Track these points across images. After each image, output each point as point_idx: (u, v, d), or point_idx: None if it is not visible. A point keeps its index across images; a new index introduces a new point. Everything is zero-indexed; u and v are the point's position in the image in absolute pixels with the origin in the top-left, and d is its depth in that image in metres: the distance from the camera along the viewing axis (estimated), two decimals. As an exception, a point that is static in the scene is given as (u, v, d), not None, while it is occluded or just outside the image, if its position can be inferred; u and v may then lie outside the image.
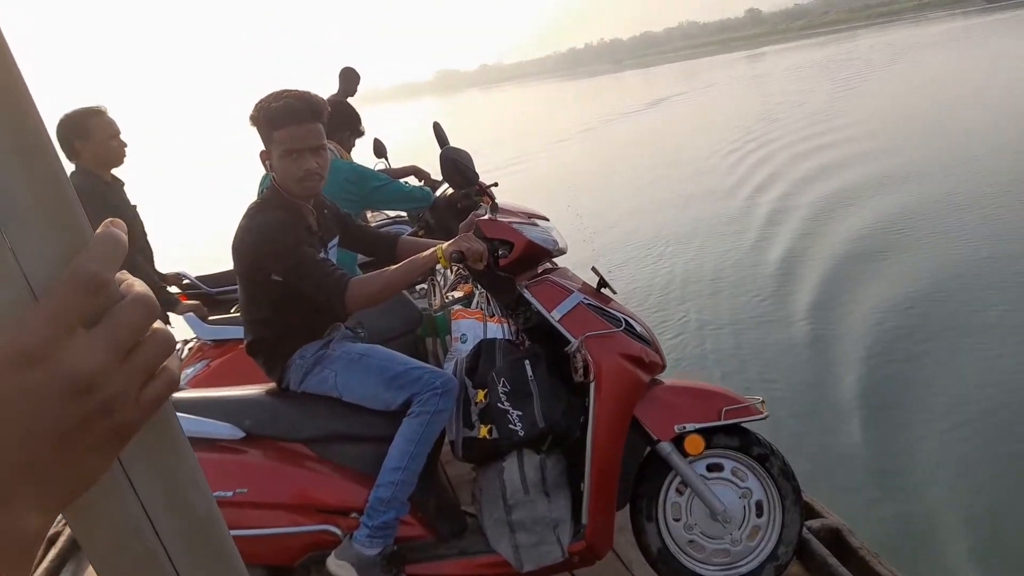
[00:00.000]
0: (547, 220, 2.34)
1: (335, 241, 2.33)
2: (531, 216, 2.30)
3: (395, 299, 3.24)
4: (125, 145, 3.25)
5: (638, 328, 2.23)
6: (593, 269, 2.29)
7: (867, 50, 34.69)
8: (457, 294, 3.57)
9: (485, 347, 2.29)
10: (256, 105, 2.07)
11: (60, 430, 0.34)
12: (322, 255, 2.11)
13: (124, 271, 0.38)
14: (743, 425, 2.26)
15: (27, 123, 0.35)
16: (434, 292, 3.70)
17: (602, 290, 2.29)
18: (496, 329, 3.03)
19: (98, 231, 0.37)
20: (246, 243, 2.07)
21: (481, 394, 2.16)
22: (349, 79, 5.34)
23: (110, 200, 3.16)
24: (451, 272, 3.43)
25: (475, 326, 3.19)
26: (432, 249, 2.02)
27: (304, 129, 2.02)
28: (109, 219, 0.38)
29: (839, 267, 6.12)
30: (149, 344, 0.37)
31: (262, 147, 2.11)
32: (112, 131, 3.17)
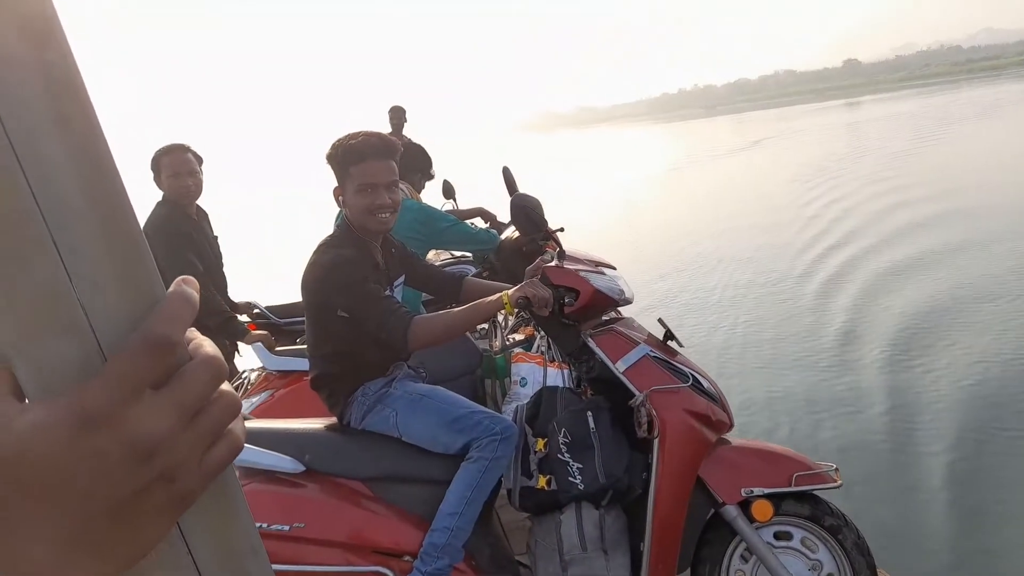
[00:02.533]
0: (614, 268, 2.32)
1: (401, 280, 2.35)
2: (598, 264, 2.28)
3: (456, 339, 3.25)
4: (193, 183, 3.35)
5: (705, 384, 2.16)
6: (660, 321, 2.24)
7: (963, 105, 33.54)
8: (518, 337, 3.56)
9: (546, 395, 2.25)
10: (333, 144, 2.14)
11: (119, 497, 0.32)
12: (387, 293, 2.13)
13: (193, 329, 0.37)
14: (815, 493, 2.15)
15: (104, 179, 0.34)
16: (495, 334, 3.70)
17: (668, 343, 2.24)
18: (556, 375, 2.99)
19: (170, 290, 0.36)
20: (314, 278, 2.12)
21: (541, 443, 2.12)
22: (398, 115, 5.80)
23: (184, 230, 3.28)
24: (513, 316, 3.44)
25: (535, 370, 3.16)
26: (498, 294, 2.02)
27: (379, 165, 2.08)
28: (181, 277, 0.37)
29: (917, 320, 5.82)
30: (215, 407, 0.36)
31: (336, 184, 2.18)
32: (176, 169, 3.29)
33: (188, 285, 0.36)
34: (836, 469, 2.16)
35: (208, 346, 0.37)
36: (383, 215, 2.11)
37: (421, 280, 2.46)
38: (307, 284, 2.14)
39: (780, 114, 53.55)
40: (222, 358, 0.37)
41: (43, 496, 0.31)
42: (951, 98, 41.78)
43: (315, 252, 2.18)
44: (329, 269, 2.08)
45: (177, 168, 3.30)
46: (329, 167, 2.16)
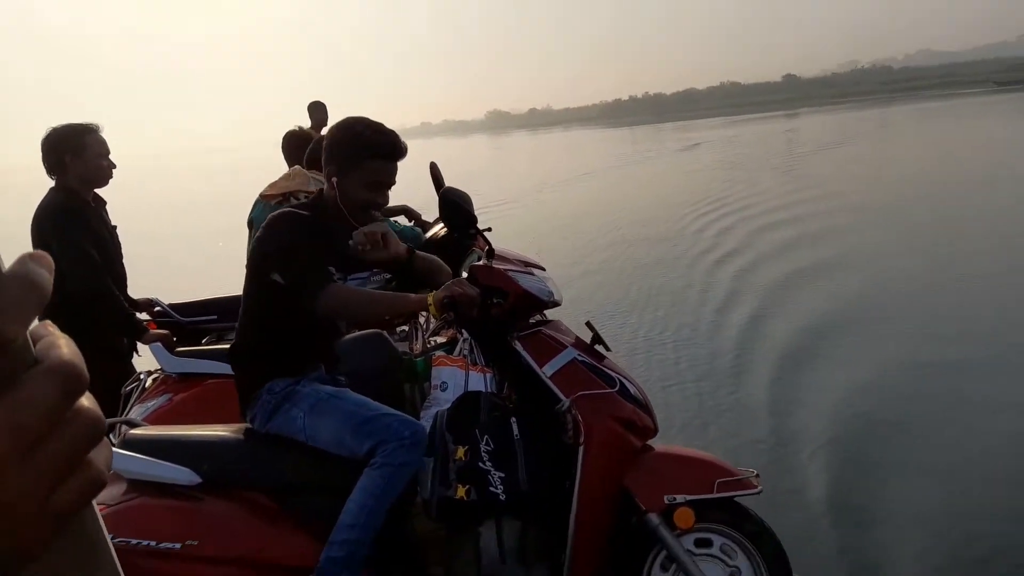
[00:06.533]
0: (543, 269, 2.25)
1: (364, 275, 2.28)
2: (527, 264, 2.21)
3: (373, 339, 3.10)
4: (113, 166, 3.17)
5: (632, 389, 2.11)
6: (588, 324, 2.19)
7: (884, 118, 38.01)
8: (440, 339, 3.44)
9: (468, 400, 2.15)
10: (349, 127, 2.05)
11: None
12: (331, 270, 2.03)
13: (47, 323, 0.28)
14: (736, 499, 2.14)
15: None
16: (415, 335, 3.57)
17: (596, 346, 2.18)
18: (479, 379, 2.89)
19: (10, 267, 0.26)
20: (262, 229, 2.05)
21: (461, 451, 2.02)
22: (319, 111, 5.55)
23: (86, 219, 3.03)
24: (437, 318, 3.32)
25: (457, 374, 3.04)
26: (423, 294, 1.91)
27: (393, 167, 2.08)
28: (28, 252, 0.28)
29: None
30: (66, 430, 0.27)
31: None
32: (103, 150, 3.09)
33: (38, 262, 0.27)
34: (757, 475, 2.15)
35: (64, 347, 0.28)
36: (376, 211, 2.12)
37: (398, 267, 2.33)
38: (253, 243, 2.08)
39: (725, 122, 57.26)
40: (80, 364, 0.28)
41: None
42: (861, 114, 45.81)
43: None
44: (274, 224, 2.03)
45: (102, 149, 3.08)
46: (330, 145, 2.06)
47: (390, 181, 2.08)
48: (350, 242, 1.97)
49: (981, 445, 3.62)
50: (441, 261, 2.30)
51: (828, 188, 12.73)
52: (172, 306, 3.79)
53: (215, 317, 3.83)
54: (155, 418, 2.82)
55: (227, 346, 3.24)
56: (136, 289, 3.54)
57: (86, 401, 0.28)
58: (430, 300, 1.88)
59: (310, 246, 2.00)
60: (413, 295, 1.95)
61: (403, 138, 2.08)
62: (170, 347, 3.10)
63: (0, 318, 0.25)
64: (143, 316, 3.60)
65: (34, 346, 0.28)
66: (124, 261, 3.35)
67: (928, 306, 5.99)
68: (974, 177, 12.92)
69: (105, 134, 3.14)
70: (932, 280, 6.68)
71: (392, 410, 2.06)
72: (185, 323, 3.75)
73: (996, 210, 9.73)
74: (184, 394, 2.96)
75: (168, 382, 3.04)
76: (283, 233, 2.01)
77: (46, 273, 0.27)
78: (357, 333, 2.72)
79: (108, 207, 3.32)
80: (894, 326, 5.53)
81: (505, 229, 11.05)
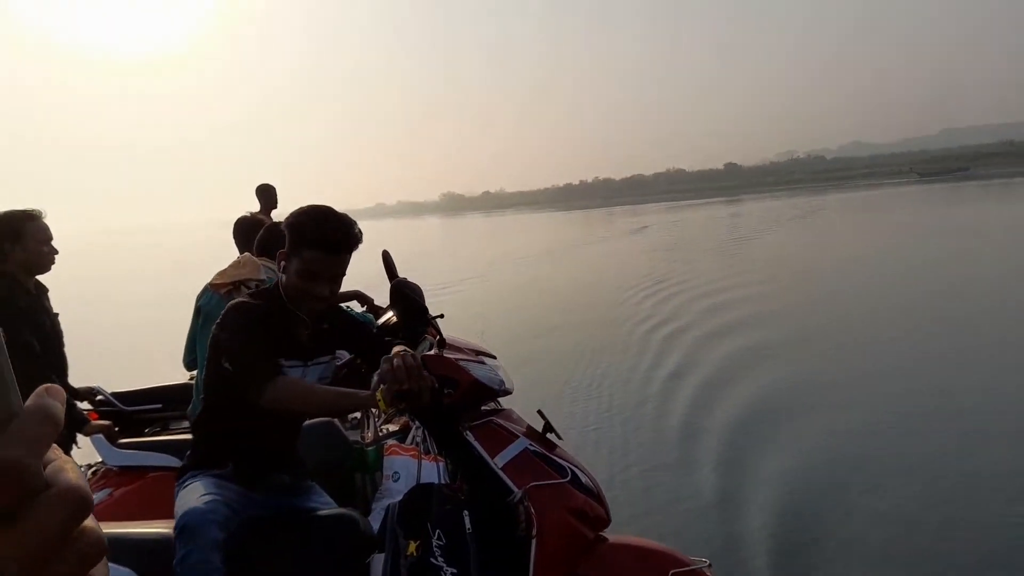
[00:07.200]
0: (494, 358, 2.28)
1: (326, 359, 2.16)
2: (478, 353, 2.24)
3: (323, 429, 3.05)
4: (55, 252, 3.12)
5: (583, 479, 2.13)
6: (539, 412, 2.21)
7: (817, 205, 41.05)
8: (392, 428, 3.41)
9: (420, 492, 2.13)
10: (298, 214, 2.02)
11: None
12: (281, 361, 1.99)
13: (55, 447, 0.31)
14: None
15: None
16: (367, 424, 3.53)
17: (548, 435, 2.21)
18: (431, 469, 2.87)
19: (28, 403, 0.30)
20: (218, 321, 2.02)
21: (412, 546, 1.98)
22: (269, 195, 5.53)
23: (24, 308, 2.97)
24: (386, 412, 3.29)
25: (409, 464, 3.01)
26: (371, 391, 1.89)
27: (332, 259, 1.99)
28: (44, 386, 0.31)
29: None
30: (73, 550, 0.30)
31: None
32: (45, 237, 3.05)
33: (52, 396, 0.31)
34: (710, 565, 2.16)
35: (71, 471, 0.31)
36: (312, 302, 2.04)
37: (366, 349, 2.19)
38: (216, 325, 2.04)
39: (672, 207, 60.36)
40: (86, 488, 0.31)
41: None
42: (794, 201, 49.13)
43: None
44: (232, 310, 2.02)
45: (43, 235, 3.03)
46: (285, 231, 2.05)
47: (327, 273, 1.99)
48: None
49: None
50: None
51: (759, 272, 14.06)
52: (115, 395, 3.69)
53: (160, 406, 3.73)
54: (94, 515, 2.70)
55: (171, 437, 3.16)
56: (79, 377, 3.44)
57: (90, 522, 0.31)
58: (379, 397, 1.84)
59: (258, 338, 1.96)
60: (361, 393, 1.89)
61: (358, 220, 2.03)
62: (112, 439, 3.00)
63: (23, 452, 0.28)
64: (84, 405, 3.48)
65: (43, 468, 0.30)
66: (65, 349, 3.27)
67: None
68: (891, 262, 14.12)
69: (48, 217, 3.12)
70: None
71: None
72: (128, 412, 3.64)
73: (907, 292, 10.54)
74: (125, 488, 2.84)
75: (109, 476, 2.93)
76: (235, 324, 1.98)
77: (60, 406, 0.31)
78: (308, 422, 2.68)
79: (50, 293, 3.27)
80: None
81: (459, 310, 11.16)
